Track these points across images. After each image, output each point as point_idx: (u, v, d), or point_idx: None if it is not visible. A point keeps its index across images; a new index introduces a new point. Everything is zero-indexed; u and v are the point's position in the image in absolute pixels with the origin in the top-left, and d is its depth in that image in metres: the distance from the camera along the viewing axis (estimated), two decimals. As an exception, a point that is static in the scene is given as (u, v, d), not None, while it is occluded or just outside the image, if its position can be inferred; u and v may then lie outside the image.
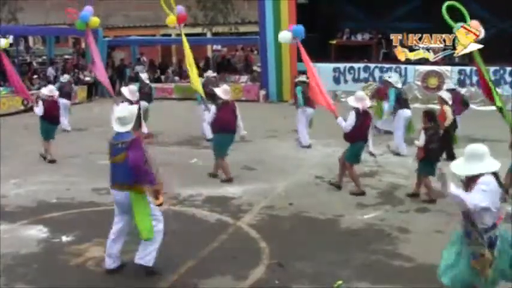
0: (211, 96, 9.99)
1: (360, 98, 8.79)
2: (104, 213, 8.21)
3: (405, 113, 11.59)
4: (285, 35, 10.01)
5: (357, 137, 8.73)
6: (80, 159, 11.65)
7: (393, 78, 12.69)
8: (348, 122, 8.63)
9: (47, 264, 6.39)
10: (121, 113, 5.90)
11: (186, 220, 7.90)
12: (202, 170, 10.48)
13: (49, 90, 11.76)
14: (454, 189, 4.33)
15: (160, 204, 6.10)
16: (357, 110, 8.65)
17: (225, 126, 9.57)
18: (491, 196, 4.45)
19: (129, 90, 10.87)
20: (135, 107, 6.22)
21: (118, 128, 5.84)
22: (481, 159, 4.60)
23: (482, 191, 4.41)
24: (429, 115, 8.58)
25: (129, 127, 5.84)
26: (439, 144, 8.59)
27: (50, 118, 11.44)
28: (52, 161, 11.37)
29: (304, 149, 12.31)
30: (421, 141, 8.38)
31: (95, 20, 10.80)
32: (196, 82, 10.68)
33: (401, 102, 11.75)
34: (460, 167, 4.66)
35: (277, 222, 7.73)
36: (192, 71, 10.62)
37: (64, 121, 14.58)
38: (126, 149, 5.71)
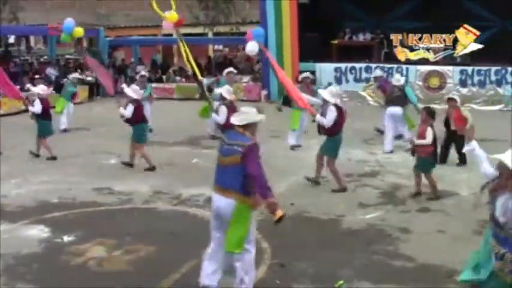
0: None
1: (336, 94, 9.19)
2: (105, 213, 8.25)
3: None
4: (251, 46, 10.41)
5: (337, 130, 9.01)
6: (82, 159, 11.65)
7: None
8: (329, 117, 8.87)
9: (47, 264, 6.39)
10: (247, 110, 5.45)
11: (188, 220, 7.90)
12: (203, 170, 10.48)
13: (42, 89, 11.93)
14: None
15: (279, 219, 5.22)
16: (335, 105, 8.92)
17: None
18: None
19: (132, 90, 10.89)
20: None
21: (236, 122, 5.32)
22: None
23: None
24: (431, 112, 8.69)
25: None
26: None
27: (48, 115, 11.62)
28: (53, 158, 11.44)
29: (303, 148, 12.29)
30: (429, 138, 8.46)
31: (79, 30, 11.23)
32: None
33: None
34: None
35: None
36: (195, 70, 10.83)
37: (62, 119, 14.73)
38: (243, 155, 5.10)
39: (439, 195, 8.56)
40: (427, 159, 8.57)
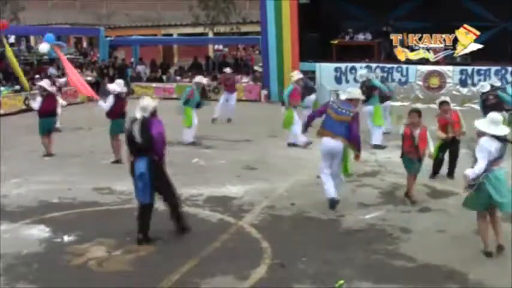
0: None
1: (121, 85, 11.34)
2: (105, 213, 8.25)
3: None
4: (43, 47, 12.74)
5: (116, 115, 10.93)
6: (81, 159, 11.65)
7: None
8: (107, 104, 10.97)
9: (48, 264, 6.39)
10: (353, 90, 8.32)
11: (187, 220, 7.88)
12: (203, 170, 10.50)
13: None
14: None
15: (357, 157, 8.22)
16: (116, 94, 11.03)
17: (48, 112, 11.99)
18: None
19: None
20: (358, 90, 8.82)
21: (344, 97, 8.26)
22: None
23: None
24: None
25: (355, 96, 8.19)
26: None
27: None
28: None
29: (303, 148, 12.25)
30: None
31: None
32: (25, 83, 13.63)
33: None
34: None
35: (279, 222, 7.72)
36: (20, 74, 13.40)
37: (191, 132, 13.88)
38: (352, 117, 7.84)
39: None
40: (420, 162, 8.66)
